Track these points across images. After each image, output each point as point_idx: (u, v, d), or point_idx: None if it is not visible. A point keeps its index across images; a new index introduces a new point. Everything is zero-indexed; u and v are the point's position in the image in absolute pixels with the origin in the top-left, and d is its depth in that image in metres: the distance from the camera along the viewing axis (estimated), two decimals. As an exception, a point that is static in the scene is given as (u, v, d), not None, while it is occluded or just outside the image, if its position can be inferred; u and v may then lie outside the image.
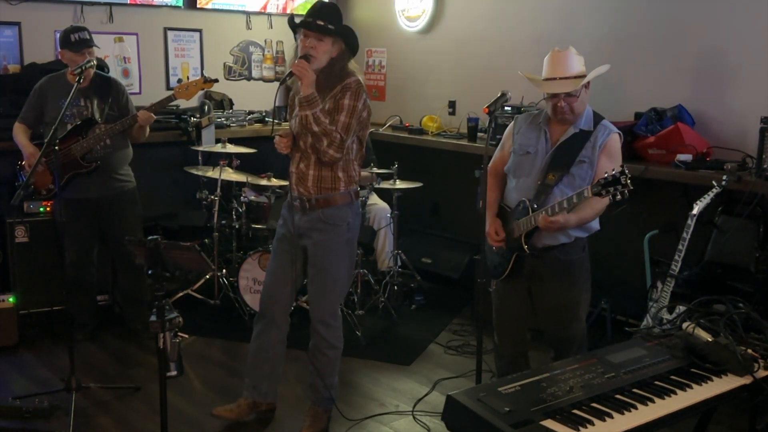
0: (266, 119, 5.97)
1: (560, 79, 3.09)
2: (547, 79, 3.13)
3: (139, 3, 5.46)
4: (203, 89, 4.24)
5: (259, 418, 3.59)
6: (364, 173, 5.17)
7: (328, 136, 3.13)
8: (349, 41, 3.22)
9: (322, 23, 3.11)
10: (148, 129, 4.26)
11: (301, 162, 3.27)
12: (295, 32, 3.24)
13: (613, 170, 2.82)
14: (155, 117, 4.15)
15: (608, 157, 3.11)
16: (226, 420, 3.52)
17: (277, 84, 6.13)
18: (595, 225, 3.23)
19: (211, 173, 4.99)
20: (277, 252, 3.44)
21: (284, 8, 6.16)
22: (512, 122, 3.38)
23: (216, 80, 4.12)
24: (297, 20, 3.23)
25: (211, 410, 3.56)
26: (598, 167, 3.08)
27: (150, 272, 2.66)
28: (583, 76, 3.10)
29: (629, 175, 2.79)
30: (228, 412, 3.52)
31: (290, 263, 3.37)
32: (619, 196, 2.81)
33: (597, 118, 3.19)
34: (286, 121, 5.34)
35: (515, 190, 3.25)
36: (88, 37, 4.06)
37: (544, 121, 3.23)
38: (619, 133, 3.18)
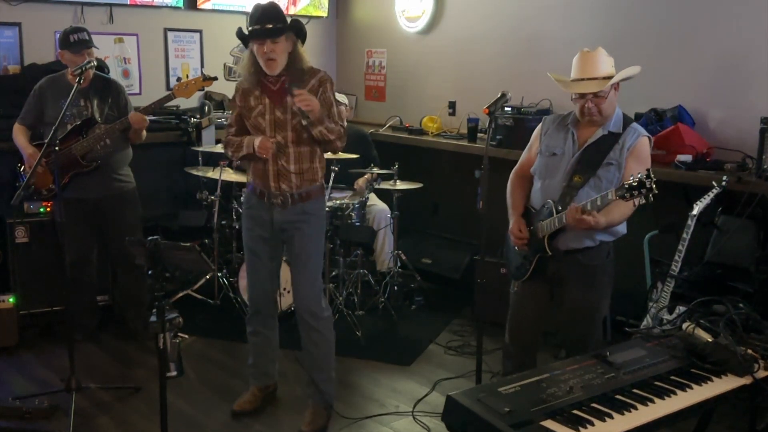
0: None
1: (588, 79, 3.05)
2: (574, 80, 3.10)
3: (139, 3, 5.45)
4: (202, 88, 4.23)
5: (259, 418, 3.59)
6: (362, 178, 5.18)
7: (336, 133, 3.30)
8: (299, 32, 3.29)
9: (271, 26, 3.17)
10: (144, 132, 4.26)
11: (281, 158, 3.31)
12: (245, 43, 3.29)
13: (639, 174, 2.75)
14: (148, 120, 4.14)
15: (636, 160, 3.05)
16: (226, 419, 3.57)
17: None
18: (622, 229, 3.18)
19: (211, 174, 4.99)
20: (257, 252, 3.48)
21: (286, 10, 6.15)
22: (540, 123, 3.34)
23: (215, 78, 4.12)
24: (246, 31, 3.26)
25: (212, 410, 3.62)
26: (626, 170, 3.02)
27: (150, 272, 2.67)
28: (611, 77, 3.05)
29: (654, 179, 2.71)
30: (248, 404, 3.65)
31: (271, 260, 3.49)
32: (643, 200, 2.75)
33: (627, 121, 3.14)
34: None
35: (540, 192, 3.22)
36: (87, 38, 4.05)
37: (572, 123, 3.18)
38: (648, 137, 3.13)
